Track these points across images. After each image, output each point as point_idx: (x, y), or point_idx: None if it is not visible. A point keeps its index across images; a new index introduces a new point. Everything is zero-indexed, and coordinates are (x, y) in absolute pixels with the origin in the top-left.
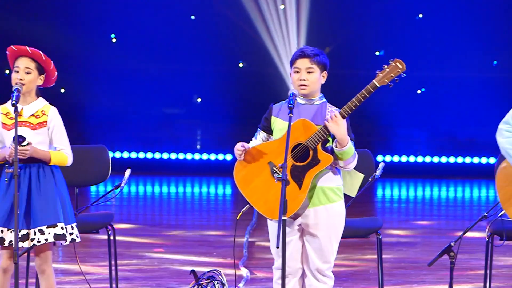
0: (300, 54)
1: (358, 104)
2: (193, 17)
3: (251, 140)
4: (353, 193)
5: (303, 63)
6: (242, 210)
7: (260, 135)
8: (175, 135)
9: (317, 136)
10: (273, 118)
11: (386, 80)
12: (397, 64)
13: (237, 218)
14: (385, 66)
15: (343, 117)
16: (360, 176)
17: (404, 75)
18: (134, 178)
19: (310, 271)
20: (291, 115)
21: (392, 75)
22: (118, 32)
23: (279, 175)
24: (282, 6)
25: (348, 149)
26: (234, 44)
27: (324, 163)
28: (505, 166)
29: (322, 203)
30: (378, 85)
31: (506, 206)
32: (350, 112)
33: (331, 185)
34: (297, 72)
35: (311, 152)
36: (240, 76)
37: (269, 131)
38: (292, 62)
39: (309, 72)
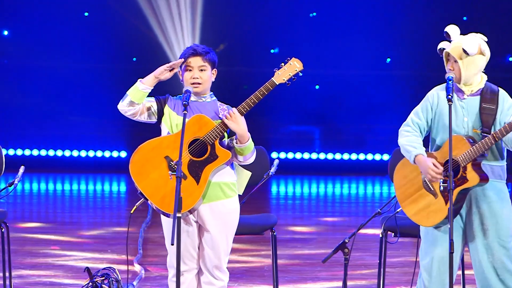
0: (193, 53)
1: (256, 101)
2: (86, 14)
3: None
4: (240, 191)
5: (196, 61)
6: (137, 204)
7: (150, 102)
8: (69, 132)
9: (215, 132)
10: (168, 108)
11: (284, 79)
12: (295, 63)
13: (131, 212)
14: (283, 64)
15: (241, 114)
16: (248, 173)
17: (301, 74)
18: (28, 175)
19: (206, 268)
20: (185, 112)
21: (290, 73)
22: (10, 28)
23: (175, 171)
24: (175, 3)
25: (249, 145)
26: (128, 40)
27: (222, 159)
28: (402, 166)
29: (219, 198)
30: (277, 83)
31: (405, 205)
32: (248, 109)
33: (226, 181)
34: (190, 70)
35: (209, 147)
36: (134, 73)
37: (160, 110)
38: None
39: (201, 70)
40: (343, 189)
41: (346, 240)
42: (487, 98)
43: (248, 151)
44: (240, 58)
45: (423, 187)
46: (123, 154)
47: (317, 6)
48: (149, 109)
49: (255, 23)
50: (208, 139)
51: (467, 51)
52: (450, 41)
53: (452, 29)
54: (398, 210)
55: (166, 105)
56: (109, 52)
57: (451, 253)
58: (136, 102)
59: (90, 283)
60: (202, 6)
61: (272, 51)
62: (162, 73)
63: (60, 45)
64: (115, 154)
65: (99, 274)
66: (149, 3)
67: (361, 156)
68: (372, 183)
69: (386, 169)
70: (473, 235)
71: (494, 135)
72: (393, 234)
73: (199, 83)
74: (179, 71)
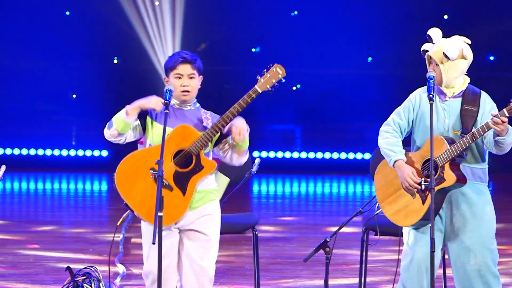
0: (183, 60)
1: (240, 110)
2: (67, 13)
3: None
4: (219, 197)
5: (186, 69)
6: (123, 216)
7: (134, 125)
8: (51, 131)
9: (200, 142)
10: (148, 118)
11: (268, 86)
12: (277, 69)
13: (118, 224)
14: (265, 71)
15: (226, 123)
16: (226, 179)
17: (284, 80)
18: (9, 174)
19: (191, 269)
20: (167, 111)
21: (273, 80)
22: None
23: (162, 183)
24: (157, 2)
25: (247, 142)
26: (109, 40)
27: (208, 170)
28: (383, 167)
29: (201, 204)
30: (260, 91)
31: (384, 205)
32: (232, 118)
33: (209, 188)
34: (179, 78)
35: (194, 158)
36: (115, 72)
37: (144, 124)
38: (172, 68)
39: (191, 78)
40: (324, 188)
41: (328, 239)
42: (469, 100)
43: (245, 146)
44: (221, 57)
45: (402, 188)
46: (105, 153)
47: (298, 5)
48: (135, 133)
49: (237, 22)
50: (193, 149)
51: (448, 56)
52: (433, 43)
53: (434, 32)
54: (378, 211)
55: (147, 116)
56: (90, 51)
57: (432, 251)
58: (121, 132)
59: (72, 283)
60: (183, 5)
61: (253, 50)
62: (147, 107)
63: (41, 44)
64: (96, 153)
65: (80, 273)
66: (130, 1)
67: (343, 155)
68: (353, 182)
69: (368, 168)
70: (454, 238)
71: (471, 134)
72: (374, 232)
73: (189, 91)
74: (165, 78)
